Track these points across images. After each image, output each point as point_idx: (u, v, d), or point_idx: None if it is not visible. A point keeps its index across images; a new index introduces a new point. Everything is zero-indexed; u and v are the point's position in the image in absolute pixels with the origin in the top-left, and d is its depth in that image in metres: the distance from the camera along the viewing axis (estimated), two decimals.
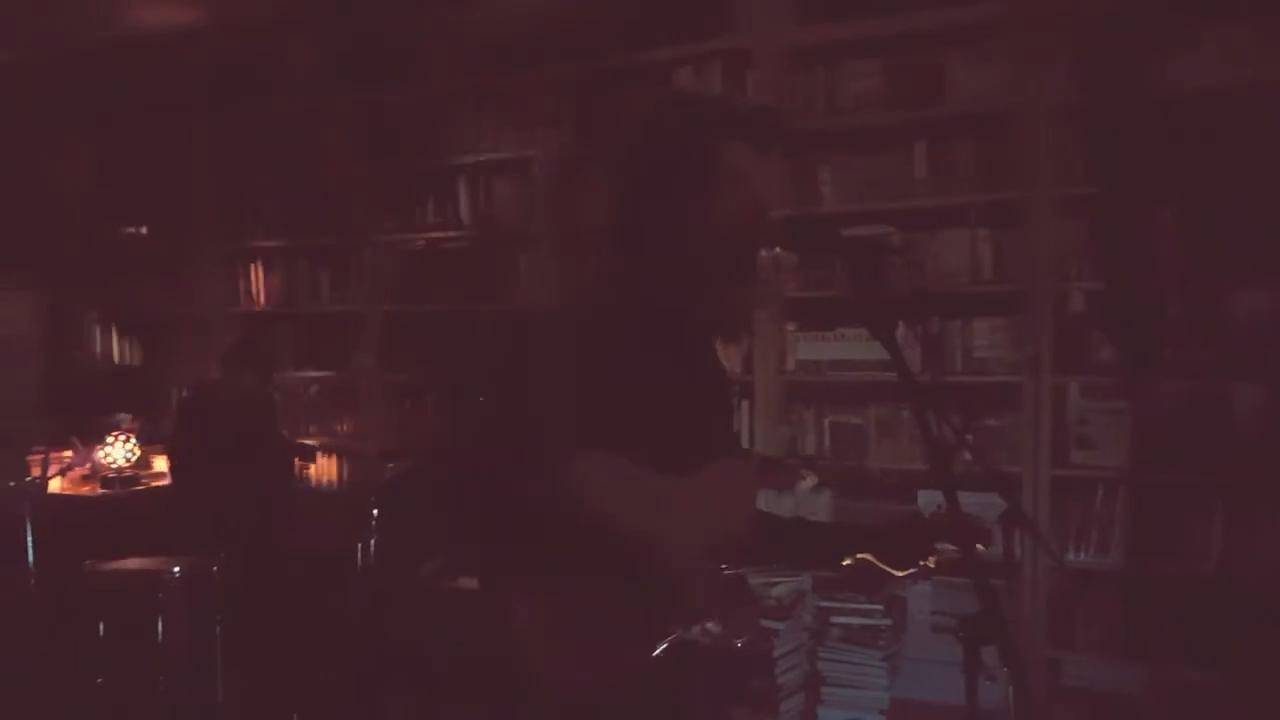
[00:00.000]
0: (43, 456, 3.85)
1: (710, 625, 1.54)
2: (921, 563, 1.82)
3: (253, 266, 5.44)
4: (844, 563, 1.88)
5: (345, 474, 5.11)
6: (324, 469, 5.18)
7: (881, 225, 3.58)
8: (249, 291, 5.46)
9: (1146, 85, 3.32)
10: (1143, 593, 3.35)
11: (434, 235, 4.90)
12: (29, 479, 3.70)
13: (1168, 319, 3.39)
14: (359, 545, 3.79)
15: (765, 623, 3.47)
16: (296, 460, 4.81)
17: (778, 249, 1.54)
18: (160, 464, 5.08)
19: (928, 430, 1.40)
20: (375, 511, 3.83)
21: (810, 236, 1.78)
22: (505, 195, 4.68)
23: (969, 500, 1.60)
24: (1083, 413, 3.46)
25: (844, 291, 3.67)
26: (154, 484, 4.93)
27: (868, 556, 1.86)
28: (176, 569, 3.53)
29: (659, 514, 1.54)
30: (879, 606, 3.58)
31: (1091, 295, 3.48)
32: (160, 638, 3.49)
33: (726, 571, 1.68)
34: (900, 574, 1.85)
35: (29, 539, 3.48)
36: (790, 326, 3.89)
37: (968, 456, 1.92)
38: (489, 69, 4.56)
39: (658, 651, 1.51)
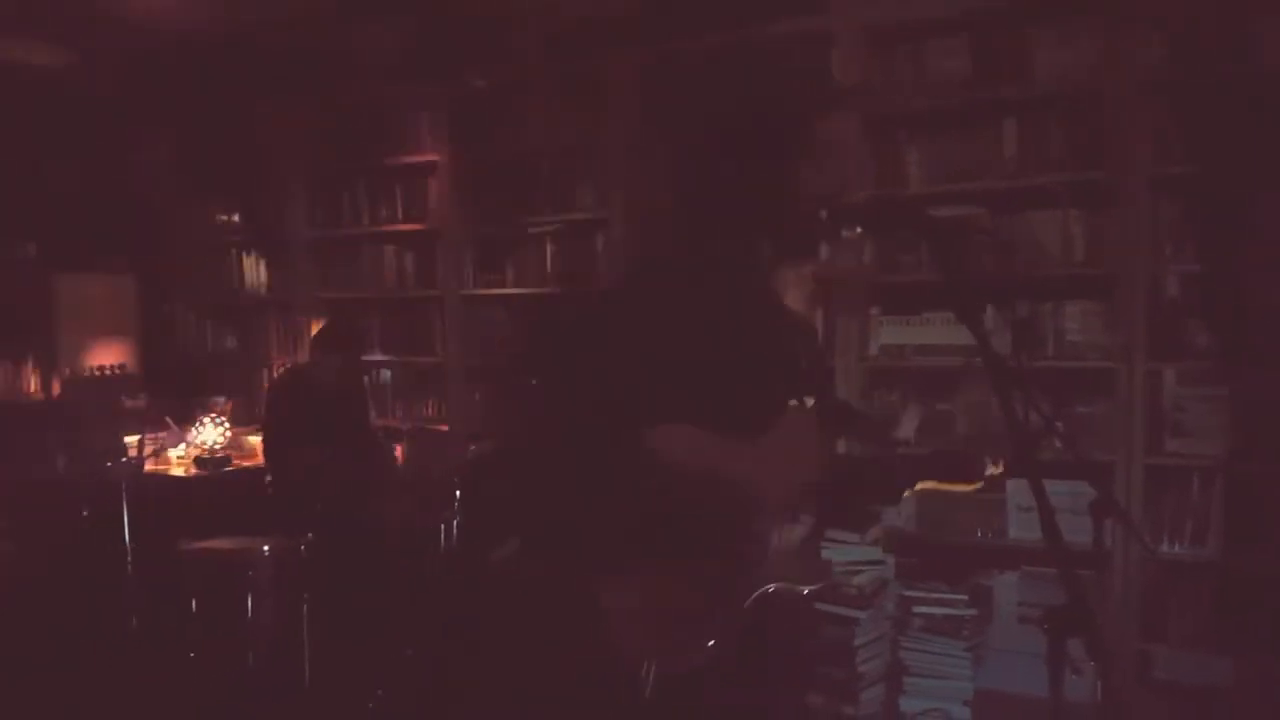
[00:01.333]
0: (139, 437, 3.98)
1: (786, 580, 1.55)
2: (986, 473, 1.80)
3: (342, 252, 5.55)
4: (905, 493, 1.87)
5: (429, 455, 5.19)
6: (409, 450, 5.27)
7: (969, 206, 3.50)
8: (336, 276, 5.57)
9: (1247, 59, 3.18)
10: (1238, 586, 3.23)
11: (508, 219, 4.94)
12: (126, 459, 3.83)
13: (1267, 304, 3.25)
14: (442, 525, 3.84)
15: (846, 611, 3.44)
16: (382, 442, 4.89)
17: (859, 229, 1.52)
18: (250, 445, 5.22)
19: (1015, 417, 1.37)
20: (458, 492, 3.88)
21: (897, 217, 1.76)
22: (579, 178, 4.69)
23: (1057, 489, 1.56)
24: (1178, 399, 3.35)
25: (930, 274, 3.60)
26: (244, 464, 5.07)
27: (930, 483, 1.84)
28: (266, 548, 3.62)
29: (733, 477, 1.54)
30: (963, 596, 3.53)
31: (1188, 279, 3.36)
32: (249, 614, 3.58)
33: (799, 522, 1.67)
34: (968, 488, 1.85)
35: (125, 518, 3.60)
36: (874, 311, 3.82)
37: (1058, 444, 1.87)
38: (567, 53, 4.57)
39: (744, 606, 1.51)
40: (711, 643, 1.53)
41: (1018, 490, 3.51)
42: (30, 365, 5.08)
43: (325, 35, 5.04)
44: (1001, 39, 3.59)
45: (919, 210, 1.64)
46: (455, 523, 3.90)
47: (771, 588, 1.56)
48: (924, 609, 3.54)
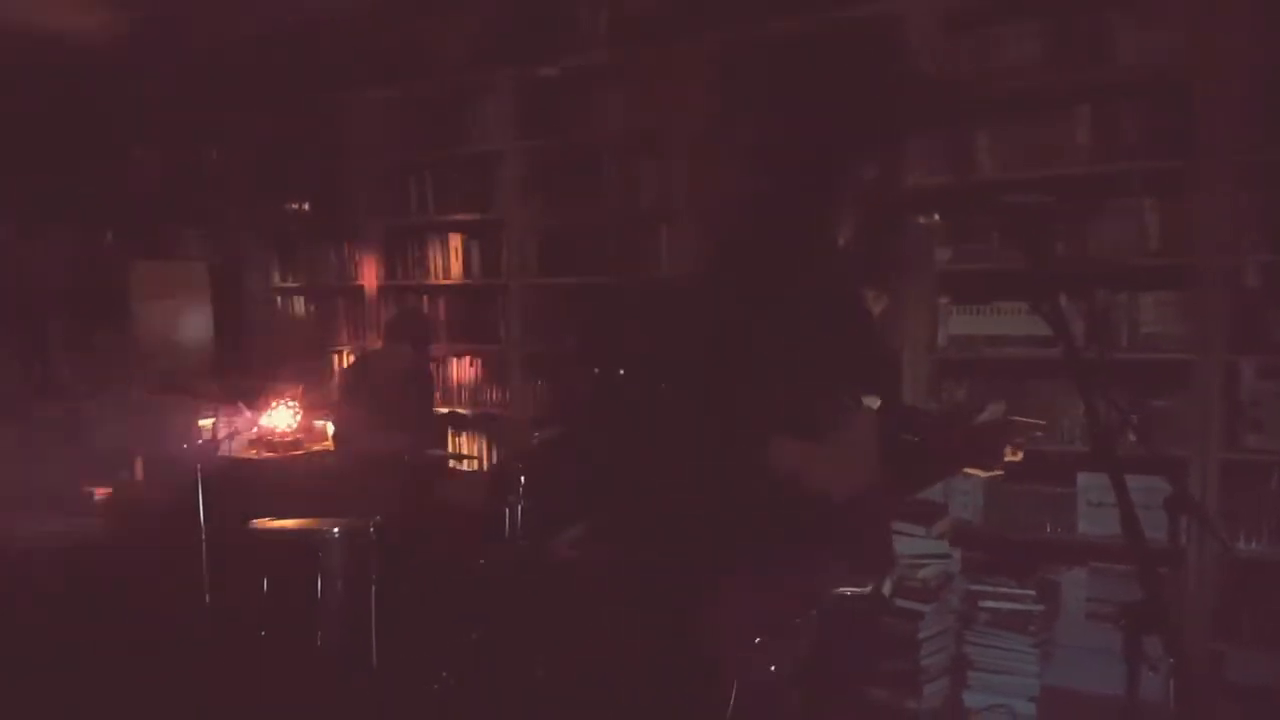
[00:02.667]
0: (214, 420, 4.08)
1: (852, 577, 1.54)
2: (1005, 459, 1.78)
3: (409, 241, 5.62)
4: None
5: (495, 442, 5.25)
6: (475, 437, 5.34)
7: (1042, 193, 3.42)
8: (405, 265, 5.64)
9: None
10: None
11: (575, 210, 4.95)
12: (201, 441, 3.92)
13: None
14: (507, 511, 3.88)
15: (911, 605, 3.41)
16: (449, 427, 4.96)
17: (936, 215, 1.50)
18: (320, 429, 5.32)
19: (1096, 410, 1.34)
20: (522, 479, 3.91)
21: (969, 204, 1.73)
22: (647, 168, 4.69)
23: (1132, 484, 1.53)
24: (1257, 394, 3.25)
25: (1002, 263, 3.53)
26: (314, 448, 5.16)
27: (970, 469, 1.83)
28: (335, 530, 3.68)
29: (802, 477, 1.54)
30: (1031, 591, 3.48)
31: (1268, 269, 3.26)
32: (319, 595, 3.65)
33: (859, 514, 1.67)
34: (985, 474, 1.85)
35: (200, 498, 3.69)
36: (943, 300, 3.77)
37: (1132, 438, 1.84)
38: (635, 41, 4.56)
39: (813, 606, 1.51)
40: (783, 643, 1.53)
41: (1089, 484, 3.44)
42: (107, 349, 5.22)
43: (396, 24, 5.09)
44: (1079, 21, 3.51)
45: (994, 197, 1.62)
46: (520, 508, 3.92)
47: (849, 591, 1.56)
48: (990, 603, 3.50)
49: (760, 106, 3.68)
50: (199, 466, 3.66)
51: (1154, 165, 3.38)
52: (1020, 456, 1.77)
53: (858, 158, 1.59)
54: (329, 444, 5.13)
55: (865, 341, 1.76)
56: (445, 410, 5.22)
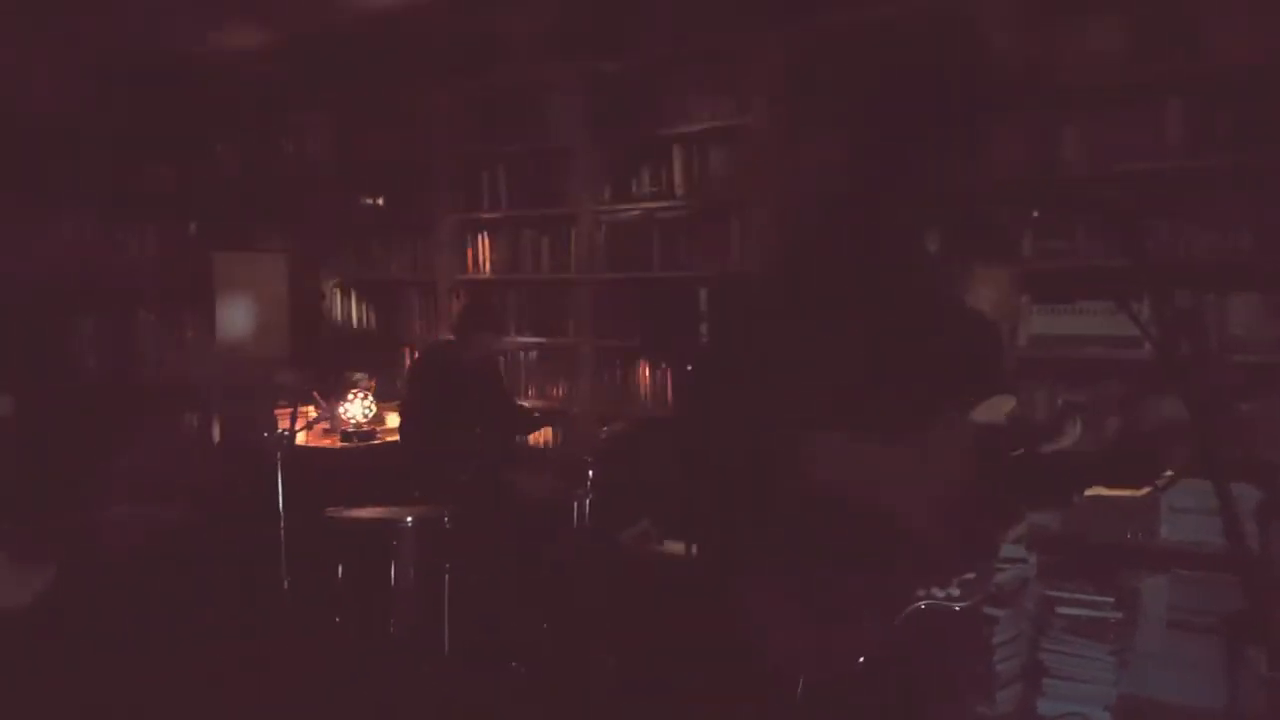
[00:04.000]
0: (290, 411, 4.16)
1: (948, 589, 1.50)
2: (1156, 480, 1.72)
3: (480, 235, 5.67)
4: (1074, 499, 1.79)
5: (564, 435, 5.28)
6: (544, 429, 5.37)
7: (1132, 189, 3.33)
8: (476, 259, 5.69)
9: None
10: None
11: (648, 204, 4.95)
12: (280, 431, 4.00)
13: None
14: (576, 503, 3.90)
15: (986, 609, 3.35)
16: (519, 420, 4.99)
17: (1035, 212, 1.46)
18: (393, 420, 5.40)
19: (1196, 414, 1.30)
20: (590, 472, 3.93)
21: (1056, 201, 1.69)
22: (719, 162, 4.67)
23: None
24: None
25: (1087, 261, 3.44)
26: (387, 439, 5.24)
27: (1099, 489, 1.77)
28: (409, 518, 3.73)
29: (885, 484, 1.50)
30: (1109, 598, 3.39)
31: None
32: (392, 582, 3.70)
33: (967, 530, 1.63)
34: (1137, 493, 1.76)
35: (279, 487, 3.76)
36: (1024, 299, 3.67)
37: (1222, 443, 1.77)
38: (708, 33, 4.54)
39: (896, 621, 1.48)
40: (861, 659, 1.50)
41: (1176, 490, 3.35)
42: (191, 339, 5.36)
43: (471, 19, 5.13)
44: (1168, 12, 3.41)
45: (1082, 194, 1.57)
46: (588, 501, 3.95)
47: (923, 604, 1.52)
48: (1067, 610, 3.42)
49: (841, 99, 3.63)
50: (278, 455, 3.73)
51: (1246, 161, 3.28)
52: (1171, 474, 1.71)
53: (942, 151, 1.56)
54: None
55: (961, 342, 1.72)
56: (530, 406, 5.27)
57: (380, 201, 6.14)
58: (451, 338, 4.86)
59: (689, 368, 4.60)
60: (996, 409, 1.68)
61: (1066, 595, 3.43)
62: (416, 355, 5.52)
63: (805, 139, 4.06)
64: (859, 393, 1.54)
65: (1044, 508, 3.16)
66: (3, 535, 1.32)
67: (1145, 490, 1.73)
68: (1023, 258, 3.36)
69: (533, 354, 5.50)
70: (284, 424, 4.25)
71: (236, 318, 5.12)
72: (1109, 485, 1.76)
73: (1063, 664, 3.38)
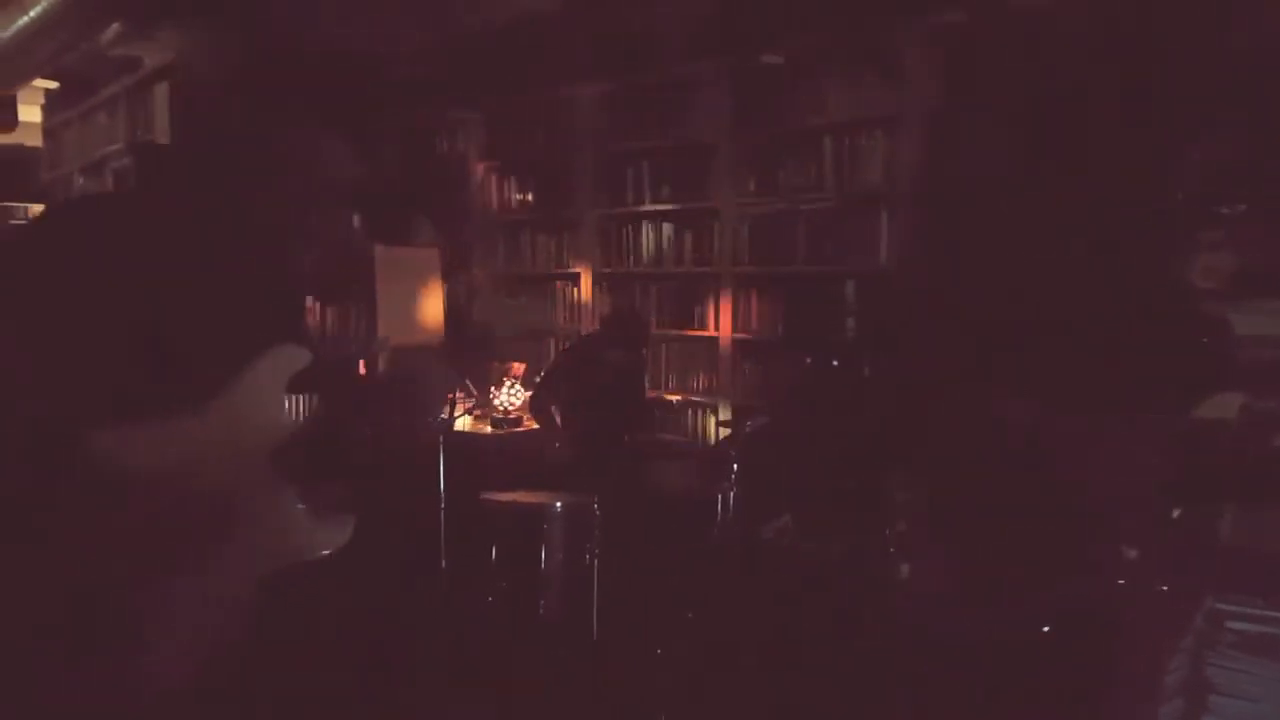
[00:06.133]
0: (450, 398, 4.30)
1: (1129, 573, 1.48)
2: None
3: (624, 229, 5.76)
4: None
5: (708, 428, 5.33)
6: (689, 422, 5.43)
7: None
8: (619, 253, 5.79)
9: None
10: None
11: (789, 197, 4.94)
12: (440, 418, 4.14)
13: None
14: (719, 497, 3.94)
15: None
16: (658, 413, 5.07)
17: (1241, 205, 1.42)
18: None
19: None
20: (735, 466, 3.96)
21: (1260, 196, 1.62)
22: (868, 154, 4.62)
23: None
24: None
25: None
26: (534, 426, 5.37)
27: None
28: (559, 504, 3.83)
29: (1077, 462, 1.48)
30: None
31: None
32: (543, 565, 3.81)
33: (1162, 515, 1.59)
34: None
35: (440, 471, 3.91)
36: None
37: None
38: (856, 25, 4.50)
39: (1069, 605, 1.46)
40: (1046, 628, 1.49)
41: None
42: (354, 329, 5.61)
43: (617, 18, 5.20)
44: None
45: None
46: (731, 495, 3.97)
47: (1122, 580, 1.50)
48: (1238, 624, 3.27)
49: (1007, 88, 3.54)
50: (441, 440, 3.88)
51: None
52: None
53: (1123, 140, 1.52)
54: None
55: (1181, 334, 1.67)
56: (674, 398, 5.33)
57: (529, 197, 6.30)
58: (598, 331, 4.97)
59: (834, 362, 4.58)
60: (1225, 406, 1.62)
61: (1237, 609, 3.28)
62: (563, 348, 5.65)
63: (969, 128, 3.97)
64: (1055, 373, 1.52)
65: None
66: (306, 493, 1.44)
67: None
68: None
69: (674, 347, 5.55)
70: (444, 410, 4.40)
71: (396, 308, 5.33)
72: None
73: (1232, 681, 3.24)
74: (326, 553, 1.52)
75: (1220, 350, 1.71)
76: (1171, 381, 1.60)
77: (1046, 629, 1.47)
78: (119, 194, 1.54)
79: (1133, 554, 1.52)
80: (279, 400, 1.51)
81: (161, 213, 1.45)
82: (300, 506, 1.49)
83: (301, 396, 1.55)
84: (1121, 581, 1.50)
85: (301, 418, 1.57)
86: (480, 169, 6.49)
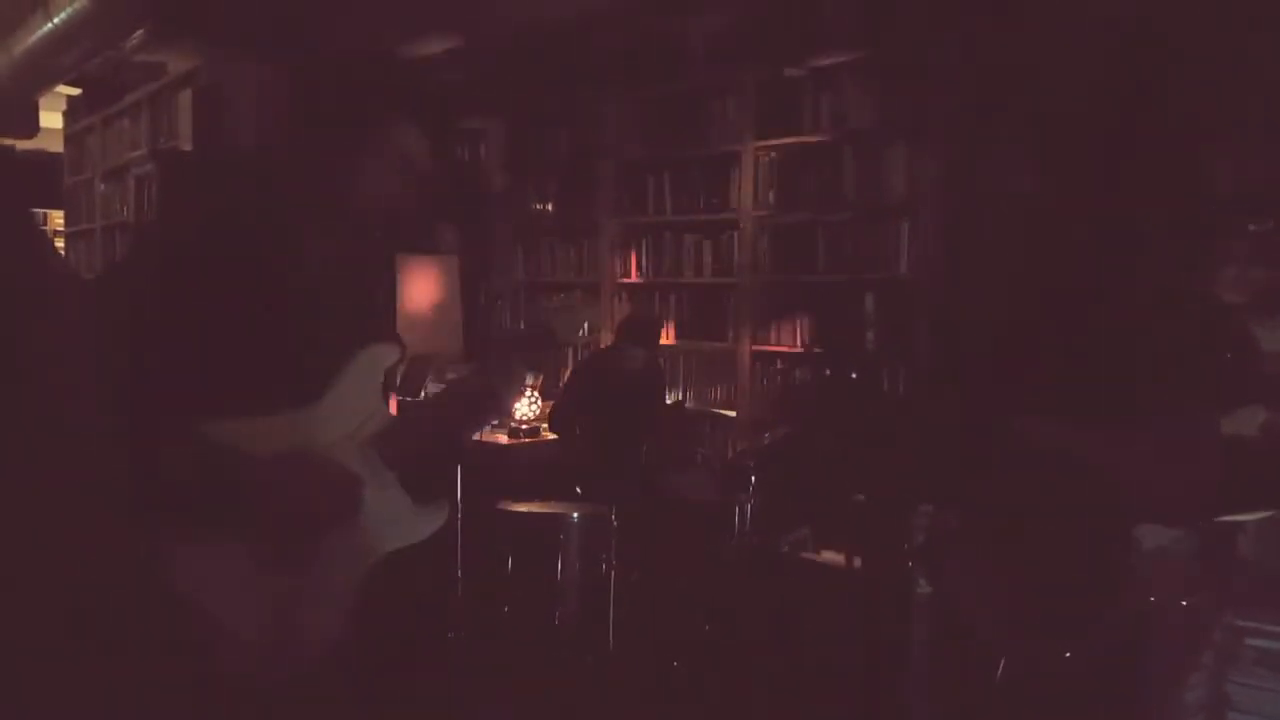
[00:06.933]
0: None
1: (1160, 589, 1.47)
2: None
3: (644, 239, 5.77)
4: None
5: (726, 438, 5.32)
6: (707, 433, 5.42)
7: None
8: (640, 262, 5.80)
9: None
10: None
11: (810, 208, 4.94)
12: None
13: None
14: (737, 507, 3.93)
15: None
16: (680, 422, 5.07)
17: (1272, 222, 1.41)
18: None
19: None
20: (753, 477, 3.96)
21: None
22: (890, 164, 4.62)
23: None
24: None
25: None
26: (550, 436, 5.39)
27: None
28: (575, 514, 3.83)
29: (1104, 473, 1.48)
30: None
31: None
32: (559, 575, 3.81)
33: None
34: None
35: (459, 480, 3.91)
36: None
37: None
38: (879, 35, 4.50)
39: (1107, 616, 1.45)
40: (1069, 654, 1.48)
41: None
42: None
43: (643, 26, 5.21)
44: None
45: None
46: (750, 506, 3.97)
47: (1153, 598, 1.49)
48: (1259, 642, 3.23)
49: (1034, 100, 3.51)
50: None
51: None
52: None
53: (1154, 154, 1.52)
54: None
55: (1205, 340, 1.66)
56: (673, 406, 5.32)
57: (549, 206, 6.32)
58: (614, 344, 4.98)
59: (853, 374, 4.58)
60: (1248, 420, 1.61)
61: (1258, 626, 3.25)
62: (580, 359, 5.66)
63: (992, 139, 3.95)
64: (1081, 386, 1.52)
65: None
66: (405, 481, 1.53)
67: None
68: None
69: (695, 357, 5.55)
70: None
71: (416, 317, 5.36)
72: None
73: (1252, 699, 3.20)
74: (426, 537, 1.61)
75: (1245, 364, 1.71)
76: (1196, 395, 1.59)
77: (1069, 652, 1.46)
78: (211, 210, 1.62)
79: (1162, 570, 1.51)
80: (377, 392, 1.63)
81: (249, 223, 1.52)
82: (402, 493, 1.58)
83: (396, 389, 1.67)
84: (1152, 599, 1.49)
85: (398, 409, 1.66)
86: (505, 176, 6.50)
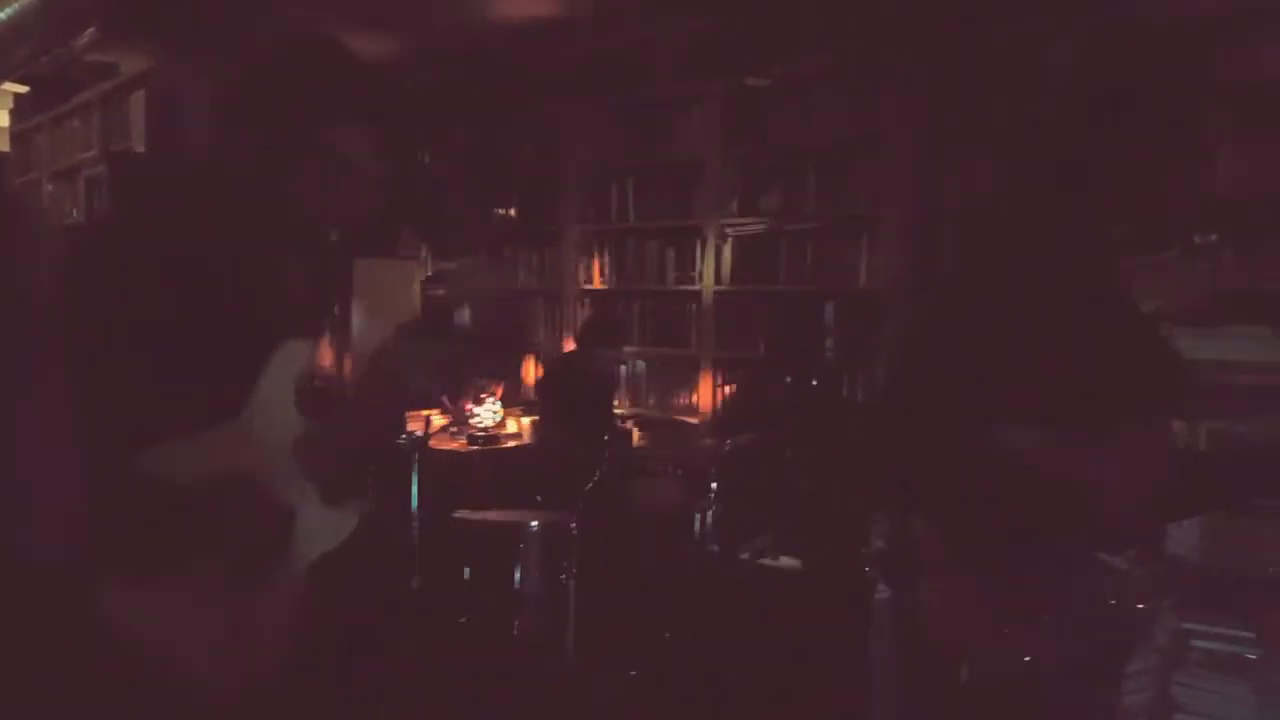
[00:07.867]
0: (424, 414, 4.28)
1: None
2: None
3: (606, 246, 5.77)
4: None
5: (685, 446, 5.32)
6: (666, 440, 5.42)
7: None
8: (602, 270, 5.79)
9: None
10: None
11: (772, 217, 4.97)
12: (413, 434, 4.12)
13: None
14: (697, 514, 3.94)
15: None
16: (634, 429, 5.07)
17: (1214, 235, 1.45)
18: (522, 425, 5.55)
19: None
20: (714, 484, 3.97)
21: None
22: (853, 176, 4.65)
23: None
24: None
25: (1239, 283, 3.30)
26: (511, 443, 5.37)
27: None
28: (534, 522, 3.82)
29: (1067, 477, 1.50)
30: (1250, 634, 3.26)
31: None
32: (517, 584, 3.79)
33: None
34: None
35: (414, 489, 3.88)
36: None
37: None
38: (848, 46, 4.53)
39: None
40: (1028, 658, 1.50)
41: None
42: (328, 343, 5.58)
43: (609, 35, 5.22)
44: None
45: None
46: (711, 514, 3.98)
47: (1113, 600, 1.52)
48: (1203, 643, 3.30)
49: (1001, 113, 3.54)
50: (415, 457, 3.86)
51: None
52: None
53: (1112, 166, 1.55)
54: (524, 439, 5.34)
55: (1143, 351, 1.69)
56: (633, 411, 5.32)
57: (511, 212, 6.30)
58: (574, 348, 4.98)
59: (814, 382, 4.60)
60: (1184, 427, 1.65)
61: (1203, 628, 3.31)
62: (540, 365, 5.65)
63: (955, 152, 3.98)
64: (1033, 395, 1.54)
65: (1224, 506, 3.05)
66: (318, 485, 1.46)
67: None
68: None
69: (657, 364, 5.56)
70: (418, 427, 4.39)
71: (368, 323, 5.30)
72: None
73: (1198, 700, 3.26)
74: (333, 547, 1.55)
75: (1174, 374, 1.75)
76: (1133, 403, 1.62)
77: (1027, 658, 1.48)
78: (116, 220, 1.55)
79: (1122, 573, 1.55)
80: (290, 397, 1.55)
81: (165, 233, 1.46)
82: (319, 502, 1.53)
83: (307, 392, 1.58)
84: (1113, 601, 1.53)
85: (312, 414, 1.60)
86: (467, 181, 6.47)
